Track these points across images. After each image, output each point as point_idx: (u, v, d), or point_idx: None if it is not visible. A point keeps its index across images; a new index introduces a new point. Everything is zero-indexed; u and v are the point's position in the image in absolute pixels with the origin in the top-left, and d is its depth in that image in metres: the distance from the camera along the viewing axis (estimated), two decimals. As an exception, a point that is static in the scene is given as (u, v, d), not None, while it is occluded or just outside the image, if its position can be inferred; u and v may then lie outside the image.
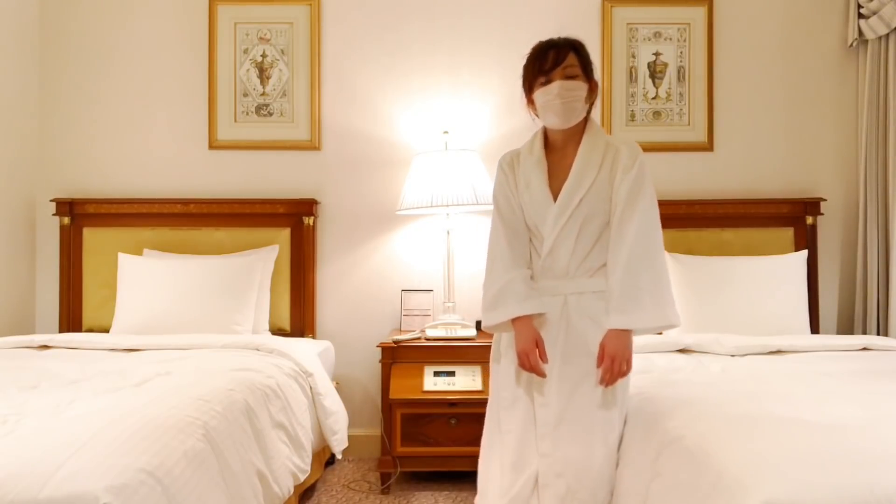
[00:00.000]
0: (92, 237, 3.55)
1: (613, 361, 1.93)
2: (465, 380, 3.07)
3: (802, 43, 3.66)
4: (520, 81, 2.09)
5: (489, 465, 2.08)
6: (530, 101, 2.06)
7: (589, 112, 2.08)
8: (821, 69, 3.66)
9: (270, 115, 3.66)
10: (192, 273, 3.30)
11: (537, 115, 2.06)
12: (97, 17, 3.67)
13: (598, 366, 1.95)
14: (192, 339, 2.96)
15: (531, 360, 1.95)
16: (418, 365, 3.15)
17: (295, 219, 3.56)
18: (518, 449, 1.98)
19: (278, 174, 3.66)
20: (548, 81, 1.97)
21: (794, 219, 3.55)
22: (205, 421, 1.97)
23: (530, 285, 2.00)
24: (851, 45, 3.59)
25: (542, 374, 1.96)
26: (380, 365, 3.20)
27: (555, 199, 2.00)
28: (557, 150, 2.08)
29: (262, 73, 3.66)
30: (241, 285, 3.29)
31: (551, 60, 1.97)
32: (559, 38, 2.03)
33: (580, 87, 1.98)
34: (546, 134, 2.11)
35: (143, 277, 3.31)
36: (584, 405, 1.96)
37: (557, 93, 1.95)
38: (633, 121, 3.66)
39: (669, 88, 3.66)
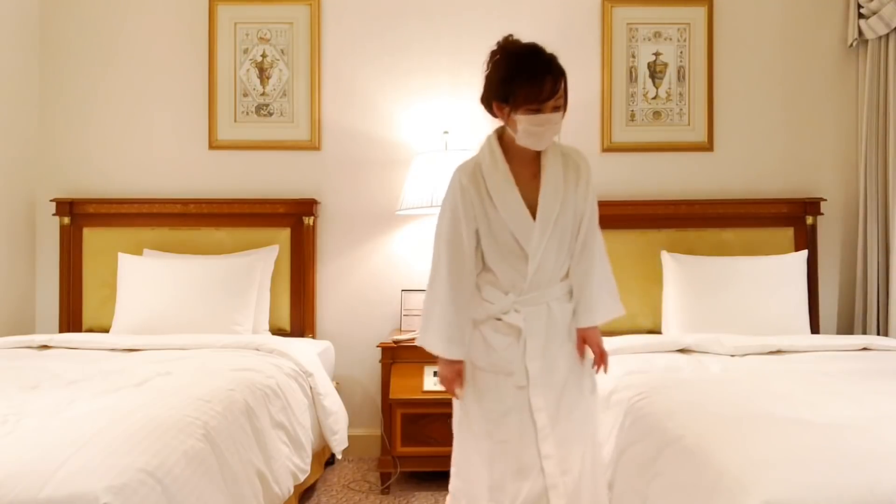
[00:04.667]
0: (92, 237, 3.55)
1: (601, 349, 2.09)
2: (465, 380, 3.07)
3: (802, 43, 3.66)
4: None
5: (473, 478, 2.07)
6: (499, 111, 1.99)
7: None
8: (821, 69, 3.66)
9: (270, 115, 3.67)
10: (192, 273, 3.29)
11: (505, 123, 2.02)
12: (97, 17, 3.67)
13: (582, 355, 2.09)
14: (192, 340, 2.96)
15: (453, 387, 2.08)
16: (418, 365, 3.15)
17: (295, 219, 3.56)
18: (519, 456, 2.00)
19: (278, 174, 3.66)
20: (537, 110, 1.92)
21: (794, 219, 3.55)
22: (205, 421, 1.97)
23: (460, 322, 2.05)
24: (851, 45, 3.59)
25: (458, 398, 2.09)
26: (380, 365, 3.20)
27: (531, 212, 2.00)
28: (516, 158, 2.04)
29: (262, 73, 3.66)
30: (241, 285, 3.29)
31: (548, 91, 1.91)
32: (549, 58, 1.96)
33: (561, 118, 1.96)
34: (502, 141, 2.06)
35: (143, 277, 3.31)
36: (571, 403, 2.03)
37: (547, 127, 1.94)
38: (633, 121, 3.66)
39: (669, 88, 3.66)
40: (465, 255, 2.03)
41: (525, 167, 2.04)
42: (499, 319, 2.04)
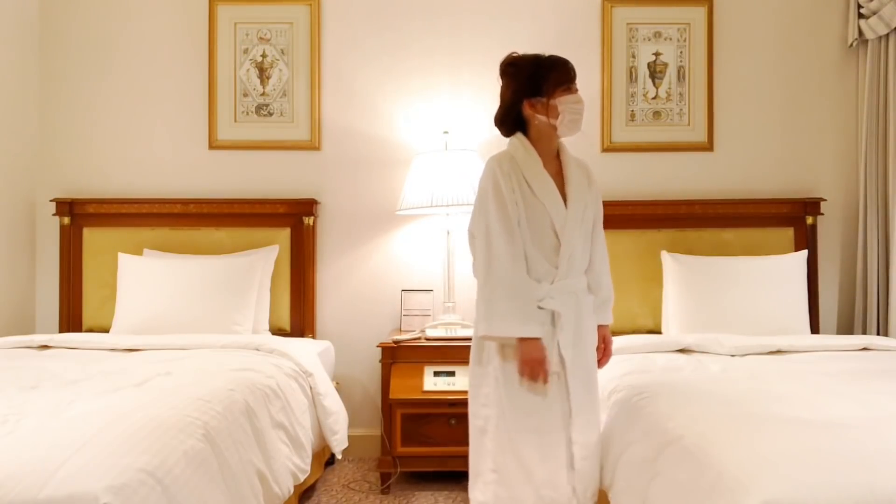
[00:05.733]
0: (92, 237, 3.55)
1: (609, 347, 2.30)
2: (465, 380, 3.06)
3: (802, 43, 3.66)
4: None
5: (521, 479, 2.07)
6: (535, 105, 2.12)
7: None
8: (821, 69, 3.66)
9: (270, 115, 3.67)
10: (192, 273, 3.29)
11: (542, 118, 2.12)
12: (97, 17, 3.67)
13: (603, 352, 2.28)
14: (191, 339, 2.96)
15: (542, 369, 2.05)
16: (418, 365, 3.15)
17: (295, 219, 3.56)
18: (559, 442, 2.08)
19: (278, 174, 3.66)
20: (570, 89, 2.11)
21: (794, 219, 3.55)
22: (205, 421, 1.97)
23: (530, 301, 2.07)
24: (851, 45, 3.59)
25: (545, 381, 2.07)
26: (380, 365, 3.20)
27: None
28: (541, 156, 2.17)
29: (262, 73, 3.66)
30: (241, 285, 3.29)
31: (573, 70, 2.13)
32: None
33: None
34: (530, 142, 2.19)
35: (143, 277, 3.31)
36: (592, 392, 2.17)
37: (582, 105, 2.11)
38: (633, 121, 3.66)
39: (669, 88, 3.66)
40: (517, 235, 2.08)
41: (548, 164, 2.17)
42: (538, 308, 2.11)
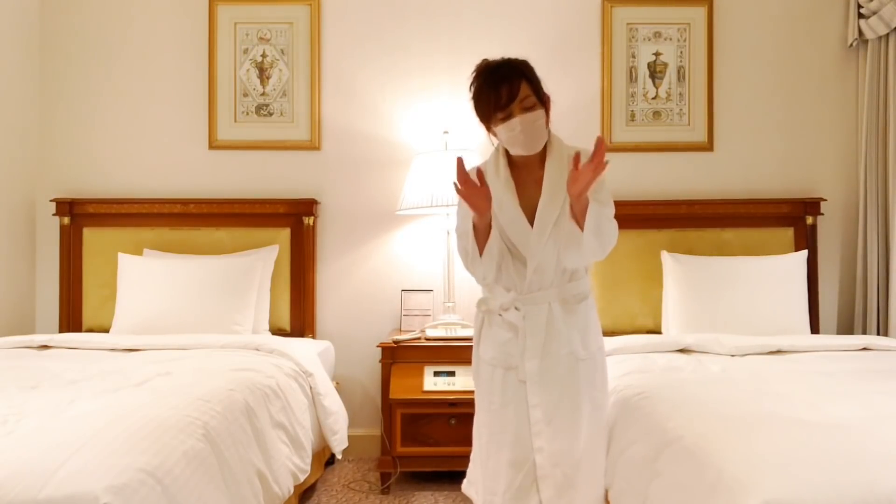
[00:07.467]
0: (92, 237, 3.55)
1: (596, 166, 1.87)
2: (465, 380, 3.07)
3: (802, 43, 3.66)
4: None
5: (481, 465, 2.17)
6: (491, 132, 2.06)
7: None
8: (821, 69, 3.66)
9: (270, 115, 3.67)
10: (192, 273, 3.29)
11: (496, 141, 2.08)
12: (97, 17, 3.67)
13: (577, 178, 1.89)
14: (191, 339, 2.96)
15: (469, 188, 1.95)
16: (418, 365, 3.15)
17: (295, 219, 3.56)
18: (514, 447, 2.05)
19: (278, 174, 3.66)
20: (507, 116, 1.97)
21: (794, 219, 3.55)
22: (205, 421, 1.97)
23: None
24: (851, 45, 3.59)
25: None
26: (380, 365, 3.20)
27: (529, 217, 2.02)
28: (522, 166, 2.08)
29: (262, 73, 3.66)
30: (241, 285, 3.29)
31: (506, 96, 1.96)
32: (504, 64, 2.03)
33: (540, 115, 1.98)
34: (507, 152, 2.10)
35: (143, 277, 3.31)
36: (570, 405, 2.04)
37: (521, 129, 1.95)
38: (633, 121, 3.66)
39: (669, 88, 3.66)
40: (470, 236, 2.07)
41: (530, 174, 2.07)
42: (500, 315, 2.09)
